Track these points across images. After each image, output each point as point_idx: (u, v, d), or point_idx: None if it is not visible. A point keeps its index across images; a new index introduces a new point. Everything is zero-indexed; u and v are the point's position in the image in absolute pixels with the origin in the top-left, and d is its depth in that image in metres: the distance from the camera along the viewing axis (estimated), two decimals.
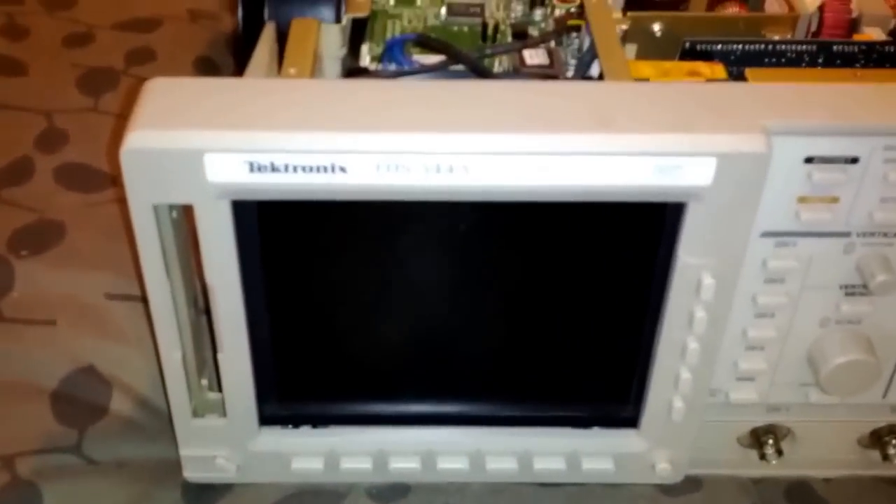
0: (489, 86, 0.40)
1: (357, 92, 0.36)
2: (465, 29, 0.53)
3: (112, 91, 0.67)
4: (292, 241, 0.38)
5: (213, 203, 0.35)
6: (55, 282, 0.53)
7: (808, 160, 0.36)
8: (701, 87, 0.37)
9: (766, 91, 0.37)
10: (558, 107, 0.35)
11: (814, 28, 0.47)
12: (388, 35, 0.52)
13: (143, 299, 0.44)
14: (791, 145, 0.35)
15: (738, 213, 0.36)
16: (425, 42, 0.50)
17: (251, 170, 0.34)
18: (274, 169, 0.34)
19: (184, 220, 0.38)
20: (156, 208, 0.35)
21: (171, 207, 0.36)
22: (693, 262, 0.38)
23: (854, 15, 0.47)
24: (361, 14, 0.50)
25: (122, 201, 0.36)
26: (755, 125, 0.35)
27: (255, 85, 0.38)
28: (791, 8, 0.48)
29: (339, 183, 0.34)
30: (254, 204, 0.36)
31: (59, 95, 0.66)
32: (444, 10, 0.54)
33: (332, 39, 0.48)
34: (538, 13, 0.54)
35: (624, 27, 0.47)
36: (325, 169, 0.34)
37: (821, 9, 0.47)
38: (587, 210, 0.37)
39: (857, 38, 0.47)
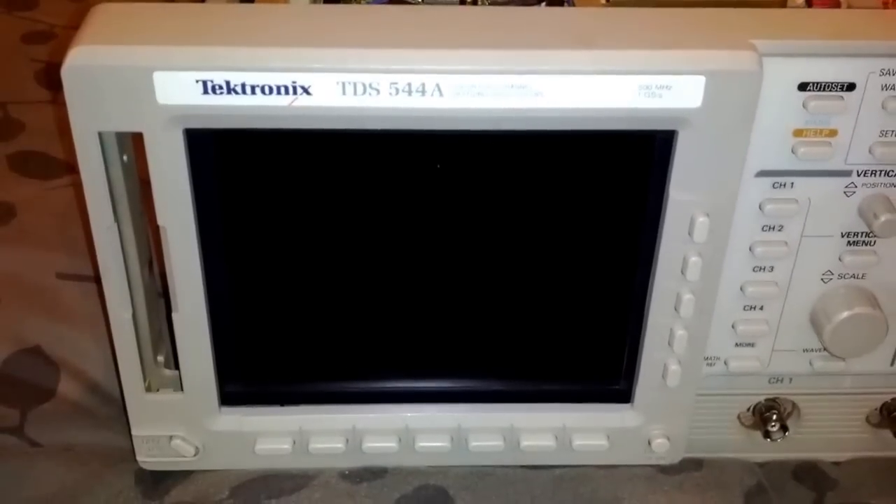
0: (464, 9, 0.38)
1: (324, 13, 0.35)
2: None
3: None
4: (252, 179, 0.35)
5: (165, 132, 0.33)
6: (1, 259, 0.50)
7: (803, 87, 0.34)
8: (687, 10, 0.35)
9: (757, 13, 0.35)
10: (537, 26, 0.34)
11: None
12: None
13: (97, 279, 0.41)
14: (784, 68, 0.34)
15: (730, 140, 0.34)
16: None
17: (205, 90, 0.32)
18: (230, 90, 0.32)
19: (135, 166, 0.35)
20: (102, 137, 0.33)
21: (120, 141, 0.34)
22: (685, 198, 0.36)
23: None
24: None
25: (77, 185, 0.34)
26: (745, 43, 0.33)
27: (215, 9, 0.35)
28: None
29: (302, 106, 0.32)
30: (209, 133, 0.33)
31: (15, 88, 0.64)
32: None
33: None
34: None
35: None
36: (287, 90, 0.32)
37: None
38: (571, 143, 0.35)
39: None
